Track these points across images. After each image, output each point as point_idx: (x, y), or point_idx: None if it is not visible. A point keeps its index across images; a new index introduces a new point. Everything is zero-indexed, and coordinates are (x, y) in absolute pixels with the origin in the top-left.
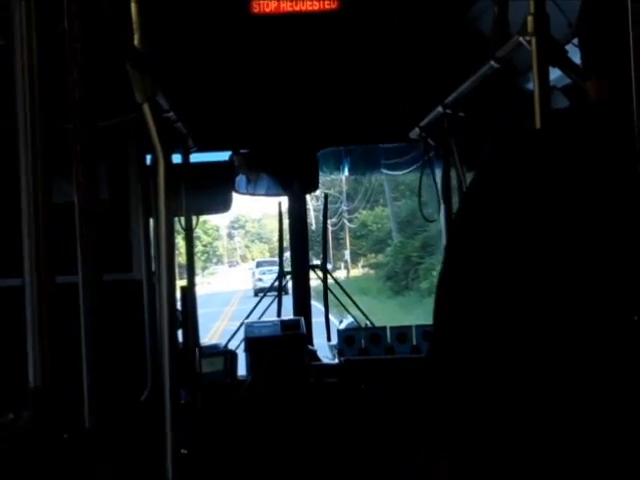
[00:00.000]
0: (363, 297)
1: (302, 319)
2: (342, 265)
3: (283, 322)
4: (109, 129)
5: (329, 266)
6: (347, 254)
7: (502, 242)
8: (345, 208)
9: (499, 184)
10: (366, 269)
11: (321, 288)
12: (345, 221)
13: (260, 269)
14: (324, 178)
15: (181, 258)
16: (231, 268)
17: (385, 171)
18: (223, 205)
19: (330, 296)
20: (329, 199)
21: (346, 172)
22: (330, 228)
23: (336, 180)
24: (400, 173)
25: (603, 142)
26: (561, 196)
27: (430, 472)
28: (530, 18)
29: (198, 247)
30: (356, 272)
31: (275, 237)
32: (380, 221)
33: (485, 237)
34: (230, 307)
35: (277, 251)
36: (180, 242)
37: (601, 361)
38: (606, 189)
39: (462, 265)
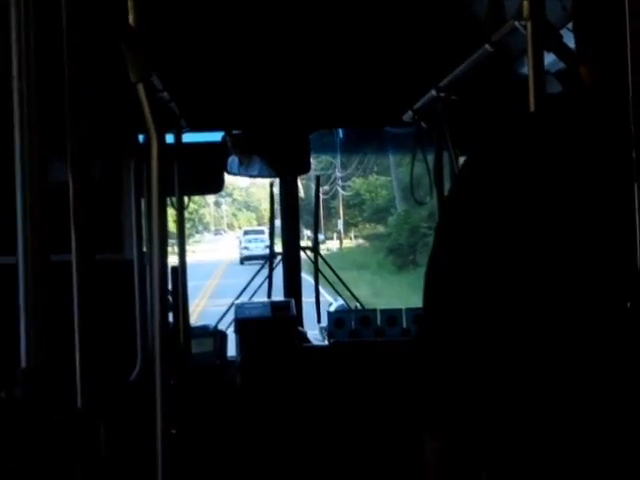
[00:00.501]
0: (362, 273)
1: (292, 301)
2: (335, 236)
3: (273, 303)
4: (103, 108)
5: (320, 237)
6: (340, 224)
7: (492, 225)
8: (339, 174)
9: (490, 167)
10: (360, 240)
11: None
12: (339, 189)
13: (246, 237)
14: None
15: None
16: (217, 237)
17: (390, 129)
18: (215, 185)
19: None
20: (321, 164)
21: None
22: (321, 196)
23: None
24: (404, 131)
25: (596, 125)
26: (553, 180)
27: (423, 453)
28: (525, 2)
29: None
30: (349, 243)
31: (263, 206)
32: (374, 190)
33: (475, 220)
34: (212, 281)
35: (265, 220)
36: (171, 221)
37: (594, 346)
38: (599, 174)
39: (452, 247)
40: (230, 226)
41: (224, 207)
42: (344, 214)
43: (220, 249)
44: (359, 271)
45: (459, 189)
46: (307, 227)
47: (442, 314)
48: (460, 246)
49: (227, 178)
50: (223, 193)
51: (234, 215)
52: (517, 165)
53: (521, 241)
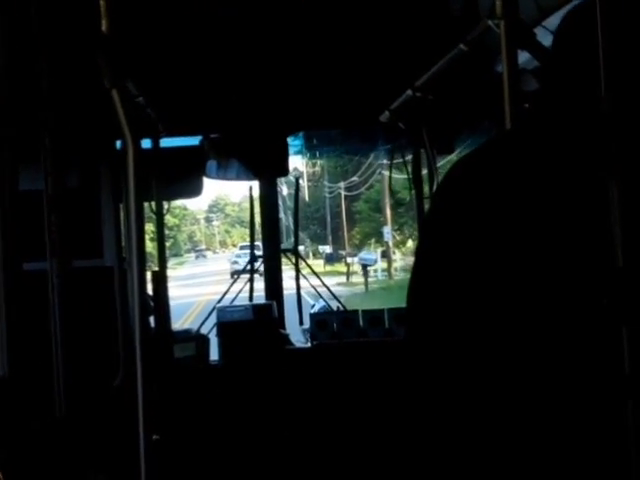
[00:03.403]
0: None
1: (274, 303)
2: (379, 252)
3: (255, 306)
4: (78, 115)
5: (371, 256)
6: (387, 233)
7: (472, 235)
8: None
9: (467, 182)
10: (409, 259)
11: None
12: (384, 172)
13: (237, 252)
14: None
15: (151, 246)
16: (198, 260)
17: None
18: (194, 190)
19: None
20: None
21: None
22: (343, 193)
23: None
24: None
25: (572, 133)
26: (528, 188)
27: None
28: (498, 1)
29: None
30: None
31: (257, 220)
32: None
33: (456, 233)
34: None
35: (259, 235)
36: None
37: (572, 345)
38: (574, 180)
39: (433, 261)
40: (223, 243)
41: (215, 223)
42: (391, 218)
43: (200, 277)
44: None
45: (438, 204)
46: (317, 240)
47: (424, 320)
48: (441, 257)
49: (218, 193)
50: (214, 209)
51: (227, 232)
52: (492, 179)
53: (501, 246)
